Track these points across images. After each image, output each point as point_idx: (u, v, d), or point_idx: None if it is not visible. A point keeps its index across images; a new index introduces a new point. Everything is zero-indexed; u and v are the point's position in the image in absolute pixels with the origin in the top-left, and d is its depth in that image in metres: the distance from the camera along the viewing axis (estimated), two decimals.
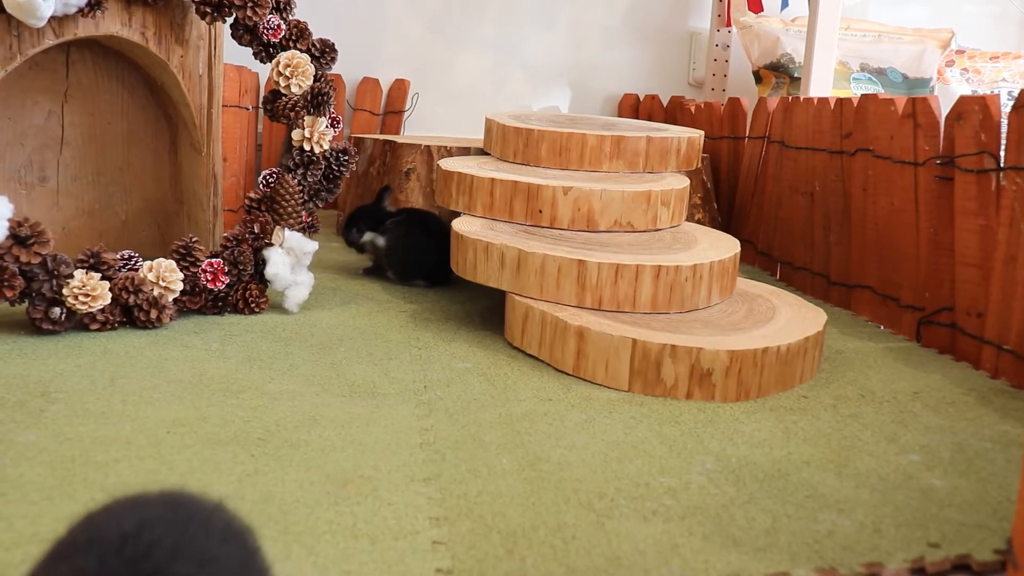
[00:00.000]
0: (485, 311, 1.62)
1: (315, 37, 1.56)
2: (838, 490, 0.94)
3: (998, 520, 0.89)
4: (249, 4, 1.48)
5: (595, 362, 1.25)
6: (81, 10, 1.38)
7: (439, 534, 0.81)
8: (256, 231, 1.52)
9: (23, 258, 1.29)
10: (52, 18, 1.36)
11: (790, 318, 1.37)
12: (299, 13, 1.56)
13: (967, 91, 2.84)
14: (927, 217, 1.54)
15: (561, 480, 0.93)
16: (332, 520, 0.82)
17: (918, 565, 0.81)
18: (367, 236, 1.82)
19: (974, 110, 1.41)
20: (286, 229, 1.53)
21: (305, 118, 1.55)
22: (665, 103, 2.96)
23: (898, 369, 1.39)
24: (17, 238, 1.29)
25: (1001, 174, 1.37)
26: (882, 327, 1.65)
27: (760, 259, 2.20)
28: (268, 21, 1.51)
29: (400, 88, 3.02)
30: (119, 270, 1.41)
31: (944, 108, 1.51)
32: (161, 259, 1.43)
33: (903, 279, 1.60)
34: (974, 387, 1.31)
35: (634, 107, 3.13)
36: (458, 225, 1.49)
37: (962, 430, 1.13)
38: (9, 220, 1.29)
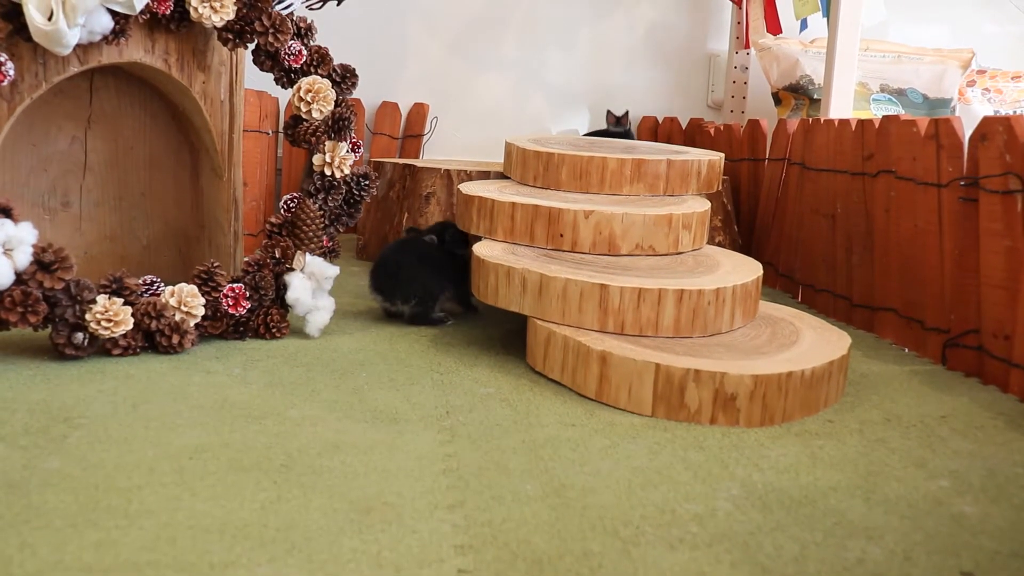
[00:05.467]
0: (506, 336, 1.62)
1: (336, 62, 1.57)
2: (867, 517, 0.93)
3: None
4: (271, 30, 1.49)
5: (618, 387, 1.24)
6: (105, 37, 1.39)
7: (464, 562, 0.80)
8: (277, 256, 1.52)
9: (47, 283, 1.29)
10: (77, 46, 1.37)
11: (814, 341, 1.36)
12: (319, 38, 1.57)
13: (989, 111, 2.82)
14: (951, 238, 1.52)
15: (586, 507, 0.92)
16: (356, 548, 0.81)
17: None
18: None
19: (998, 131, 1.40)
20: (307, 254, 1.53)
21: (326, 143, 1.55)
22: (684, 125, 2.96)
23: (924, 392, 1.37)
24: (41, 264, 1.30)
25: None
26: (906, 350, 1.64)
27: (781, 281, 2.19)
28: (289, 47, 1.52)
29: (419, 112, 3.03)
30: (141, 295, 1.41)
31: (967, 129, 1.50)
32: (183, 284, 1.43)
33: (927, 301, 1.59)
34: (1003, 411, 1.29)
35: (653, 129, 3.13)
36: (479, 249, 1.49)
37: (992, 455, 1.12)
38: (33, 246, 1.29)
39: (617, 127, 2.92)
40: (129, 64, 1.50)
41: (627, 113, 2.95)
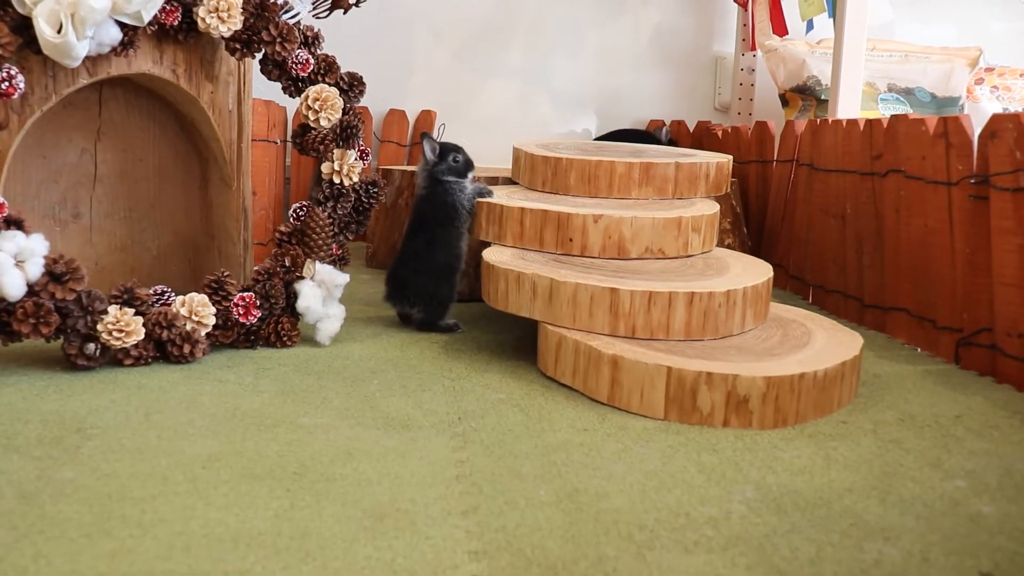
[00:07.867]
0: (517, 341, 1.61)
1: (343, 70, 1.57)
2: (883, 518, 0.92)
3: None
4: (278, 39, 1.49)
5: (630, 391, 1.23)
6: (114, 49, 1.40)
7: (479, 568, 0.79)
8: (287, 264, 1.52)
9: (58, 294, 1.29)
10: (86, 58, 1.38)
11: (826, 342, 1.36)
12: (326, 47, 1.57)
13: (998, 109, 2.81)
14: (962, 237, 1.52)
15: (600, 511, 0.92)
16: (371, 555, 0.81)
17: None
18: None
19: (1008, 128, 1.39)
20: (317, 262, 1.53)
21: (334, 151, 1.55)
22: (692, 128, 2.95)
23: (938, 392, 1.37)
24: (52, 275, 1.30)
25: None
26: (919, 349, 1.63)
27: (791, 283, 2.18)
28: (297, 56, 1.52)
29: (427, 119, 3.04)
30: (152, 305, 1.42)
31: (976, 127, 1.50)
32: (193, 293, 1.44)
33: (939, 300, 1.58)
34: (1018, 410, 1.28)
35: None
36: (489, 255, 1.49)
37: (1008, 454, 1.11)
38: (44, 257, 1.30)
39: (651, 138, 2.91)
40: (138, 75, 1.51)
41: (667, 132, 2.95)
